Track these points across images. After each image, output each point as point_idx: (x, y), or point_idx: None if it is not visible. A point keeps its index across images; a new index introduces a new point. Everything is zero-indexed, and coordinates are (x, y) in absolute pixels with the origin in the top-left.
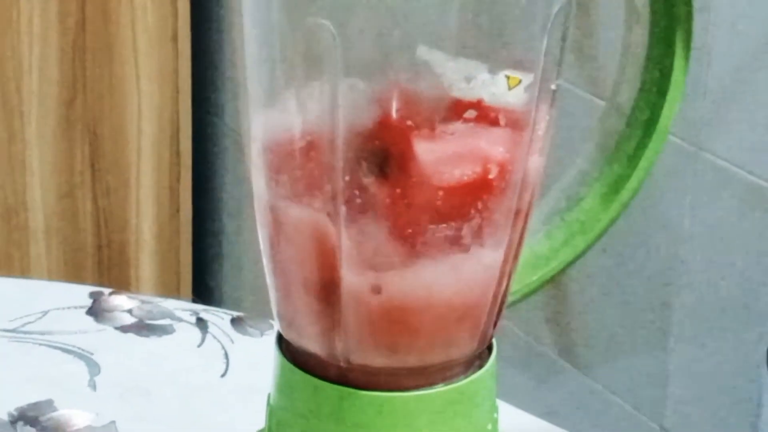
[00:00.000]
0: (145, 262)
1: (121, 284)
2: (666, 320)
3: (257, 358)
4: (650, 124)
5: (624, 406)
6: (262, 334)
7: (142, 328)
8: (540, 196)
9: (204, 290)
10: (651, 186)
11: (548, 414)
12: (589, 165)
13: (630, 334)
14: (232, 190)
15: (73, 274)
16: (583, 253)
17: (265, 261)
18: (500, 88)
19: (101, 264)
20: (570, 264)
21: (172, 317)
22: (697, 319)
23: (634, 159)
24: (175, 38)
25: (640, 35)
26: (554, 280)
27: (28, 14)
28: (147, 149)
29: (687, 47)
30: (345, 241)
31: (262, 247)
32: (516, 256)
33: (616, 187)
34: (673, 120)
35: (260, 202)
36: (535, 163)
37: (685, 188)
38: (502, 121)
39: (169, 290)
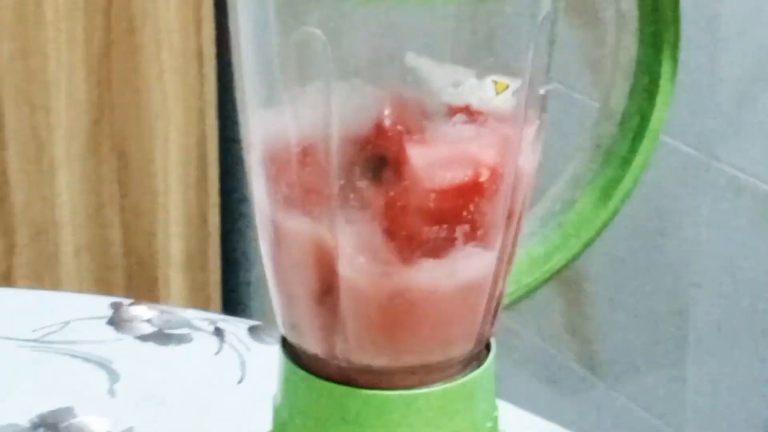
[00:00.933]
0: (174, 279)
1: (150, 301)
2: (684, 332)
3: (273, 366)
4: (641, 128)
5: (648, 418)
6: (278, 342)
7: (161, 337)
8: (535, 200)
9: (233, 306)
10: (666, 197)
11: (569, 424)
12: (583, 168)
13: (650, 346)
14: None
15: (103, 292)
16: (578, 255)
17: (266, 266)
18: (488, 93)
19: (130, 281)
20: (565, 266)
21: (191, 326)
22: (715, 330)
23: (626, 162)
24: (200, 57)
25: (629, 41)
26: (548, 283)
27: (54, 36)
28: (174, 167)
29: (675, 52)
30: (342, 245)
31: (263, 252)
32: (510, 258)
33: (609, 190)
34: (665, 124)
35: (260, 209)
36: (527, 165)
37: (700, 199)
38: (491, 126)
39: (198, 307)
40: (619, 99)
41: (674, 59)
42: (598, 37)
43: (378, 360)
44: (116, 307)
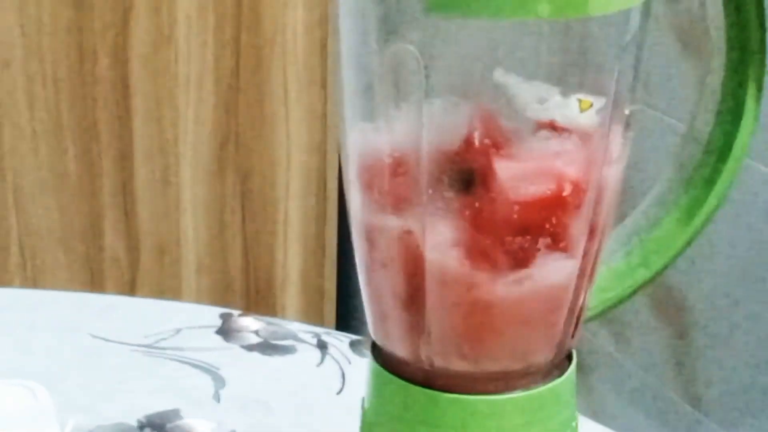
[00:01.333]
0: (292, 300)
1: None
2: None
3: None
4: (725, 151)
5: None
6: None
7: (267, 347)
8: (620, 217)
9: (348, 327)
10: None
11: None
12: (668, 189)
13: (756, 381)
14: None
15: None
16: (659, 273)
17: (360, 272)
18: (572, 111)
19: (249, 300)
20: (647, 283)
21: (295, 338)
22: None
23: (709, 184)
24: (324, 84)
25: (716, 66)
26: (631, 298)
27: (185, 60)
28: (295, 190)
29: (760, 78)
30: (429, 251)
31: (356, 259)
32: (593, 271)
33: (692, 210)
34: (748, 147)
35: (355, 218)
36: (610, 182)
37: None
38: (575, 142)
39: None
40: (704, 121)
41: (759, 84)
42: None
43: (460, 364)
44: (225, 317)
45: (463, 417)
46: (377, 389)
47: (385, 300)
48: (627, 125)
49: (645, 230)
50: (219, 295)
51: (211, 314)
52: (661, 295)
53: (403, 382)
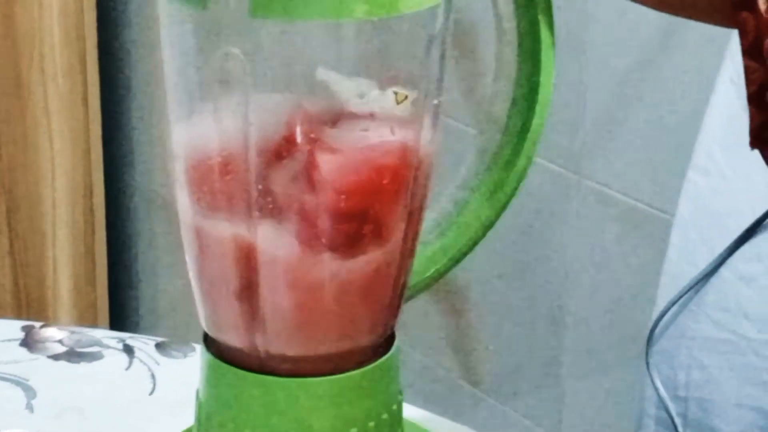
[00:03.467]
0: (64, 311)
1: None
2: (559, 342)
3: (182, 377)
4: (523, 133)
5: (532, 427)
6: (185, 356)
7: (73, 355)
8: (431, 201)
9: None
10: (539, 214)
11: None
12: (472, 172)
13: (528, 357)
14: (145, 235)
15: None
16: (470, 249)
17: (190, 269)
18: (389, 103)
19: (20, 316)
20: (459, 260)
21: (100, 345)
22: (587, 339)
23: (510, 164)
24: (85, 96)
25: (510, 54)
26: (444, 275)
27: None
28: (62, 205)
29: (550, 66)
30: (260, 245)
31: (187, 256)
32: (411, 253)
33: (495, 190)
34: (546, 139)
35: (184, 217)
36: (425, 169)
37: (570, 213)
38: (393, 133)
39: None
40: (502, 107)
41: (550, 72)
42: (472, 68)
43: (294, 350)
44: (27, 329)
45: (298, 398)
46: (212, 379)
47: (217, 293)
48: (436, 115)
49: (454, 212)
50: None
51: (12, 327)
52: None
53: (237, 370)
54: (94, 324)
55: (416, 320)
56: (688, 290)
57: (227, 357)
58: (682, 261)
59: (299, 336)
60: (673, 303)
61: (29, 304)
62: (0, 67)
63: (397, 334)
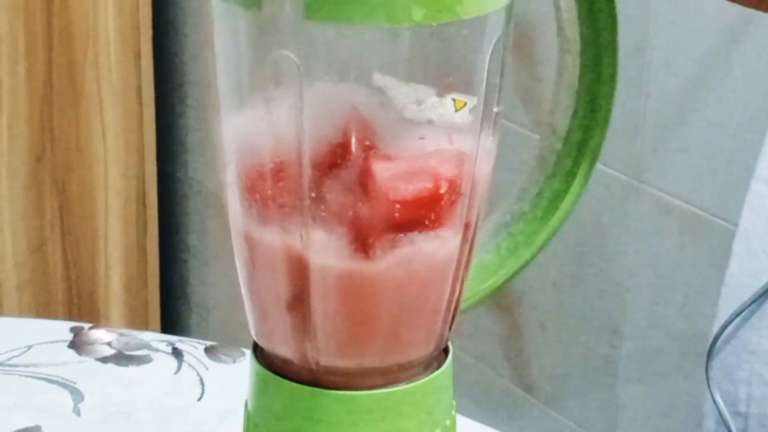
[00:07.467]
0: (115, 311)
1: None
2: (616, 350)
3: (231, 383)
4: (583, 144)
5: None
6: (234, 361)
7: (121, 358)
8: (488, 212)
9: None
10: (597, 220)
11: None
12: (531, 183)
13: (583, 365)
14: (197, 236)
15: None
16: (528, 262)
17: (240, 277)
18: (447, 110)
19: (71, 314)
20: (516, 273)
21: (149, 348)
22: (644, 348)
23: (570, 176)
24: (139, 91)
25: (572, 63)
26: (502, 289)
27: None
28: (114, 202)
29: (613, 74)
30: (313, 254)
31: (237, 264)
32: (467, 265)
33: (555, 202)
34: (605, 144)
35: (235, 222)
36: (482, 179)
37: (629, 220)
38: (450, 141)
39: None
40: (563, 117)
41: (613, 80)
42: (532, 72)
43: (345, 362)
44: (76, 331)
45: (349, 412)
46: (261, 390)
47: (268, 302)
48: (495, 123)
49: (512, 223)
50: (41, 310)
51: (61, 328)
52: None
53: (287, 382)
54: (145, 324)
55: (470, 326)
56: (750, 304)
57: (277, 368)
58: (744, 273)
59: (350, 348)
60: (735, 316)
61: (81, 304)
62: (54, 63)
63: (451, 342)
